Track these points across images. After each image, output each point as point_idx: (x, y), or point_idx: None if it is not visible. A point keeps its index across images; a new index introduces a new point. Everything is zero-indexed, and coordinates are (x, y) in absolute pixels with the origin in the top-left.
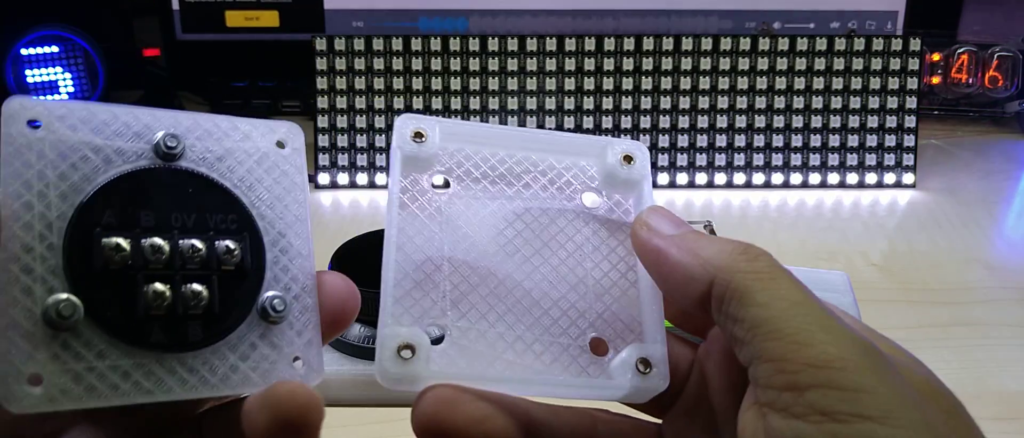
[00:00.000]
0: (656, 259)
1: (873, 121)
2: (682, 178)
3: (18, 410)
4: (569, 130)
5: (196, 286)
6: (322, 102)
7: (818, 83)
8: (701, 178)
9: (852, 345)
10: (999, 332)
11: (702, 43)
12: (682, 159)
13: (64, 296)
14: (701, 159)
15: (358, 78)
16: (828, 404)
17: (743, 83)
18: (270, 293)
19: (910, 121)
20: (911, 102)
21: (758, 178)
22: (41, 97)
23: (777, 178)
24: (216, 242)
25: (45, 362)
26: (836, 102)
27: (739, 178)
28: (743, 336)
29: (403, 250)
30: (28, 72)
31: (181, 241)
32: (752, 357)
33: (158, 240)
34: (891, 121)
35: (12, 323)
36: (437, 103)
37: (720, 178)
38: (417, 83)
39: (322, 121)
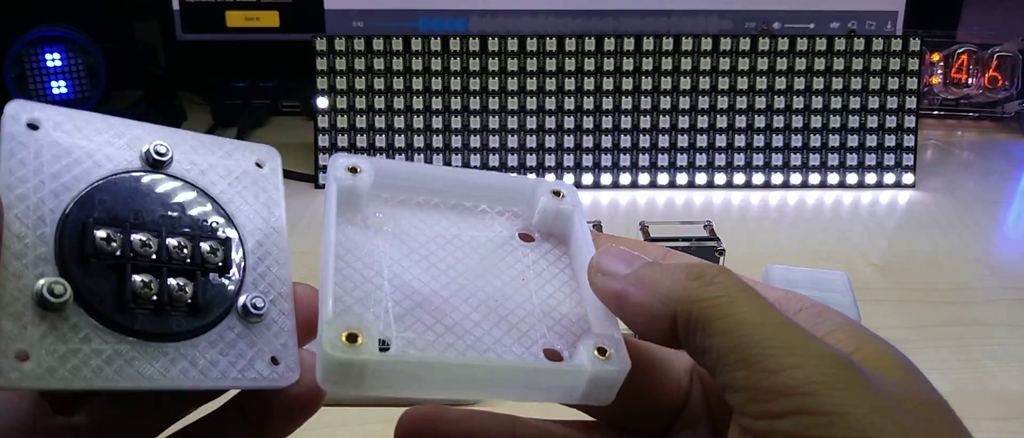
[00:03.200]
0: (618, 304)
1: (873, 121)
2: (682, 178)
3: (4, 385)
4: (569, 130)
5: (181, 280)
6: (322, 102)
7: (818, 83)
8: (701, 178)
9: (821, 364)
10: (999, 332)
11: (702, 43)
12: (682, 159)
13: (55, 278)
14: (701, 159)
15: (358, 78)
16: (802, 430)
17: (743, 83)
18: (250, 294)
19: (910, 121)
20: (911, 102)
21: (758, 178)
22: (40, 102)
23: (777, 178)
24: (200, 243)
25: (34, 341)
26: (836, 102)
27: (739, 178)
28: (713, 365)
29: (342, 272)
30: (29, 71)
31: (167, 239)
32: (725, 385)
33: (146, 235)
34: (891, 121)
35: (1, 303)
36: (437, 103)
37: (720, 178)
38: (417, 83)
39: (322, 121)
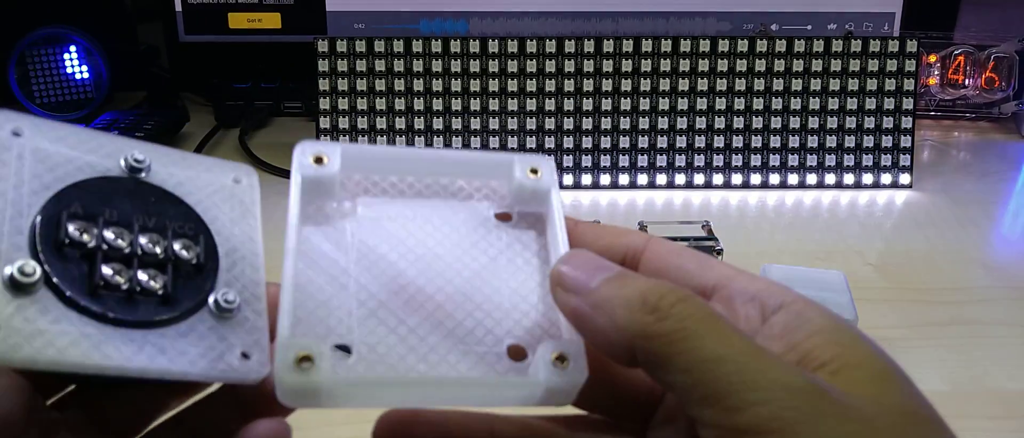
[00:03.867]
0: (579, 324)
1: (870, 122)
2: (680, 178)
3: None
4: (569, 130)
5: (152, 271)
6: (324, 103)
7: (815, 84)
8: (699, 178)
9: (787, 396)
10: (996, 331)
11: (700, 45)
12: (680, 160)
13: (26, 260)
14: (699, 160)
15: (359, 80)
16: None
17: (741, 84)
18: (222, 291)
19: (907, 122)
20: (908, 103)
21: (756, 178)
22: (24, 113)
23: (775, 178)
24: (174, 241)
25: (2, 319)
26: (833, 103)
27: (737, 178)
28: (679, 399)
29: (304, 273)
30: (31, 72)
31: (140, 236)
32: (693, 420)
33: (119, 229)
34: (888, 122)
35: None
36: (438, 104)
37: (718, 178)
38: (418, 84)
39: (324, 122)
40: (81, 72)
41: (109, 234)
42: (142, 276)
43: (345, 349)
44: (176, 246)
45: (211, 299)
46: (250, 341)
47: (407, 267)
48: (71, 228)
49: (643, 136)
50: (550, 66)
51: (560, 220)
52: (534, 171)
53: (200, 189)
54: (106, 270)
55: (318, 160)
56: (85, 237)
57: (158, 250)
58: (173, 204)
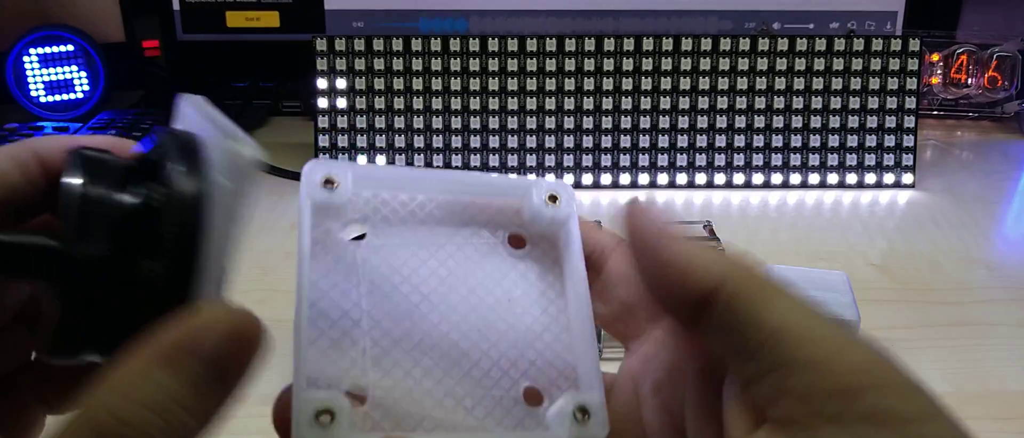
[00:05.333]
0: (656, 244)
1: (872, 121)
2: (682, 178)
3: None
4: (569, 130)
5: None
6: (322, 102)
7: (817, 83)
8: (700, 178)
9: (872, 351)
10: (999, 332)
11: (702, 44)
12: (682, 159)
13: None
14: (701, 159)
15: (358, 78)
16: (887, 405)
17: (742, 83)
18: None
19: (909, 121)
20: (910, 102)
21: (757, 178)
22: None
23: (776, 178)
24: None
25: None
26: (835, 102)
27: (738, 178)
28: (758, 347)
29: (317, 306)
30: (29, 72)
31: None
32: (770, 368)
33: None
34: (890, 121)
35: None
36: (437, 103)
37: (720, 178)
38: (417, 83)
39: (322, 121)
40: (79, 71)
41: None
42: None
43: (360, 395)
44: None
45: None
46: None
47: (420, 301)
48: None
49: (644, 135)
50: (550, 65)
51: (579, 253)
52: (553, 198)
53: None
54: None
55: (329, 182)
56: None
57: None
58: None
